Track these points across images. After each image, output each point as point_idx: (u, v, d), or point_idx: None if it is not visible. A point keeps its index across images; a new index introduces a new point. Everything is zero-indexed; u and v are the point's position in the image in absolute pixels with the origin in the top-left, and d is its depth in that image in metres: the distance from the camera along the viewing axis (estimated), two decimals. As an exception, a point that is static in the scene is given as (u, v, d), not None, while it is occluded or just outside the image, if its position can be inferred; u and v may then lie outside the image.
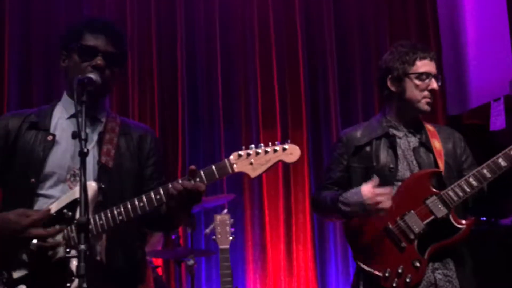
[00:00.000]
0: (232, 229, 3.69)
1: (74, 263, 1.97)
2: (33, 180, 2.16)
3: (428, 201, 2.51)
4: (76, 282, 1.92)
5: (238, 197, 5.04)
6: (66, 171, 2.19)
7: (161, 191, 2.08)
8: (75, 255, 1.86)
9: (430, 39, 5.60)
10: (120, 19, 5.24)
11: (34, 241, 2.01)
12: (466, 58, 5.52)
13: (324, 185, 2.73)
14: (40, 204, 2.14)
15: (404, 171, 2.60)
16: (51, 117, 2.29)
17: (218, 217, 3.71)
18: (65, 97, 2.34)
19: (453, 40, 5.68)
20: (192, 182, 2.04)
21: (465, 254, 2.59)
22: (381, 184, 2.49)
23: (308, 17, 5.68)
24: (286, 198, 5.35)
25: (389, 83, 2.67)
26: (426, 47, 2.72)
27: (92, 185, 2.07)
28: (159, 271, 4.78)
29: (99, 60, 2.20)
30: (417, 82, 2.62)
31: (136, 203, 2.08)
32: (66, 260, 2.00)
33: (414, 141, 2.67)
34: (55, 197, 2.14)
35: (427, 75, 2.63)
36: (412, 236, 2.49)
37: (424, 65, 2.63)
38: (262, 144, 2.10)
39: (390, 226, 2.51)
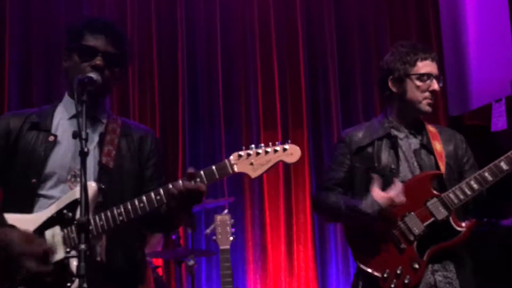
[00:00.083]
0: (233, 229, 3.69)
1: (74, 263, 1.97)
2: (34, 180, 2.15)
3: (428, 203, 2.50)
4: (76, 282, 1.92)
5: (238, 198, 5.04)
6: (66, 172, 2.18)
7: (161, 192, 2.07)
8: (75, 255, 1.86)
9: (431, 39, 5.60)
10: (120, 19, 5.24)
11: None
12: (467, 59, 5.53)
13: (327, 186, 2.70)
14: (41, 205, 2.14)
15: (405, 172, 2.59)
16: (52, 118, 2.28)
17: (218, 217, 3.71)
18: (66, 97, 2.34)
19: (454, 41, 5.68)
20: (193, 182, 2.04)
21: (465, 255, 2.58)
22: (383, 184, 2.49)
23: (309, 17, 5.68)
24: (287, 198, 5.35)
25: (390, 84, 2.67)
26: (427, 48, 2.71)
27: (92, 186, 2.07)
28: (160, 271, 4.78)
29: (98, 60, 2.19)
30: (418, 83, 2.61)
31: (136, 203, 2.07)
32: (66, 260, 2.00)
33: (415, 142, 2.67)
34: (56, 198, 2.13)
35: (428, 76, 2.62)
36: (411, 238, 2.48)
37: (425, 66, 2.62)
38: (262, 144, 2.09)
39: (391, 227, 2.51)
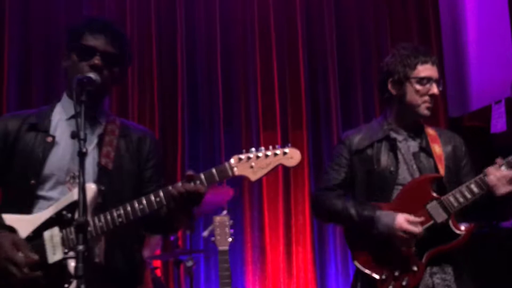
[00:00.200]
0: (231, 231, 3.68)
1: (72, 264, 1.97)
2: (33, 181, 2.15)
3: (428, 206, 2.50)
4: (74, 283, 1.92)
5: (237, 198, 5.02)
6: (65, 173, 2.18)
7: (161, 194, 2.07)
8: (74, 256, 1.86)
9: (431, 39, 5.59)
10: (120, 19, 5.22)
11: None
12: (467, 60, 5.52)
13: (327, 186, 2.68)
14: (40, 206, 2.14)
15: (404, 175, 2.59)
16: (50, 118, 2.28)
17: (217, 219, 3.69)
18: (64, 97, 2.34)
19: (454, 41, 5.68)
20: (192, 184, 2.03)
21: (463, 258, 2.58)
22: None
23: (309, 17, 5.67)
24: (286, 199, 5.34)
25: (389, 86, 2.66)
26: (428, 51, 2.69)
27: (91, 187, 2.07)
28: (158, 272, 4.77)
29: (96, 60, 2.19)
30: (418, 86, 2.60)
31: (136, 205, 2.07)
32: (65, 261, 2.00)
33: (414, 145, 2.66)
34: (55, 199, 2.13)
35: (428, 79, 2.61)
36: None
37: (426, 70, 2.61)
38: (262, 148, 2.10)
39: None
